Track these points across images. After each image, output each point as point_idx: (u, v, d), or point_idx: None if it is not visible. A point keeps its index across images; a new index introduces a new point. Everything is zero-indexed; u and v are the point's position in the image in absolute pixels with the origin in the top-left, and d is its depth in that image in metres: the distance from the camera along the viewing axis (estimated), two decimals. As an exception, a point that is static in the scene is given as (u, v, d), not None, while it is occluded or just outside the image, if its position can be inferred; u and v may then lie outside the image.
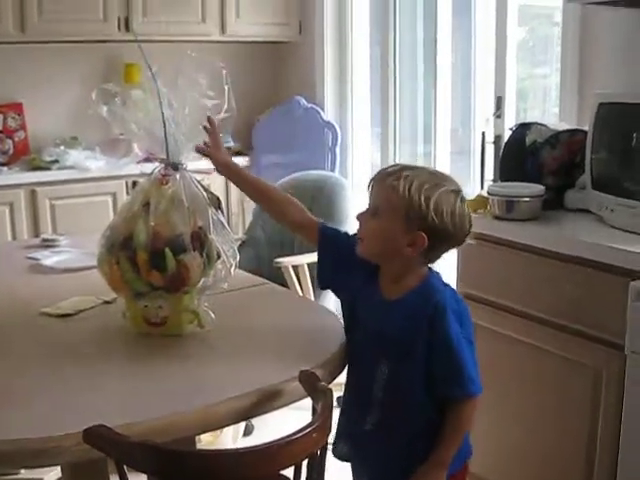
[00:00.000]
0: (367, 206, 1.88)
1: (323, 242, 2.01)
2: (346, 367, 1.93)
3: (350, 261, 1.92)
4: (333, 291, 2.04)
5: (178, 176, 2.00)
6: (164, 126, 1.97)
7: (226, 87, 1.98)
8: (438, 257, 1.88)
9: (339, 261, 1.97)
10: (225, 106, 1.99)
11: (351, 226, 3.87)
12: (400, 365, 1.84)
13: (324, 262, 2.02)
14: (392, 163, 4.53)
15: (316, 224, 2.04)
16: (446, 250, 1.87)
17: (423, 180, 1.79)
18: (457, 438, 1.83)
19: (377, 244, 1.86)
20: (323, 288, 2.06)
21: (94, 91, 2.00)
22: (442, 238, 1.82)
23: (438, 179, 1.82)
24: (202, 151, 2.04)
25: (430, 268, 1.90)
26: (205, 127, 2.03)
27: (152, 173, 2.03)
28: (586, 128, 2.70)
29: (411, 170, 1.82)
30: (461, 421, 1.82)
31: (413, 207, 1.77)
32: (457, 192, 1.82)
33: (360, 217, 1.88)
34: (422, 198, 1.77)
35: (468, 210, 1.85)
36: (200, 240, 1.96)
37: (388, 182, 1.81)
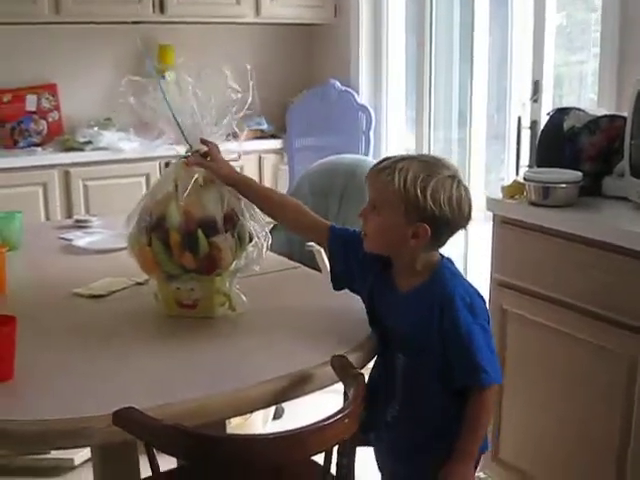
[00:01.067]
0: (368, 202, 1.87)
1: (333, 243, 2.00)
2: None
3: (362, 258, 1.92)
4: (350, 290, 2.02)
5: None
6: (175, 120, 1.97)
7: (251, 83, 1.98)
8: (445, 242, 1.87)
9: (350, 260, 1.96)
10: (249, 101, 1.97)
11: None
12: (415, 358, 1.84)
13: (337, 262, 2.00)
14: (426, 148, 4.55)
15: (326, 226, 2.03)
16: (451, 235, 1.86)
17: (417, 171, 1.77)
18: (477, 428, 1.81)
19: (381, 239, 1.85)
20: (338, 289, 2.04)
21: (123, 81, 1.99)
22: (444, 225, 1.81)
23: (432, 167, 1.80)
24: (200, 165, 2.01)
25: (442, 256, 1.89)
26: (203, 141, 2.02)
27: (180, 158, 2.03)
28: (625, 114, 2.65)
29: (404, 161, 1.80)
30: (479, 411, 1.79)
31: (410, 200, 1.76)
32: (453, 177, 1.80)
33: (362, 213, 1.87)
34: (418, 190, 1.76)
35: (465, 192, 1.82)
36: (232, 222, 1.95)
37: (382, 177, 1.80)
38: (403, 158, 1.83)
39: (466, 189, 1.82)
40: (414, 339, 1.83)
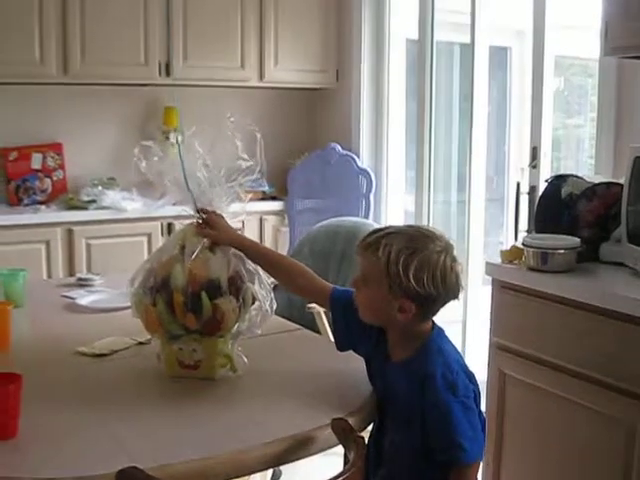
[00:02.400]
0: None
1: (335, 306, 2.02)
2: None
3: (362, 322, 1.93)
4: (354, 351, 2.04)
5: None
6: (187, 186, 2.01)
7: (258, 150, 2.01)
8: (435, 313, 1.88)
9: (352, 323, 1.97)
10: (258, 168, 2.02)
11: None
12: (400, 428, 1.86)
13: (338, 325, 2.02)
14: (425, 210, 4.58)
15: (329, 290, 2.04)
16: (440, 307, 1.86)
17: (401, 247, 1.78)
18: None
19: (369, 312, 1.88)
20: (341, 350, 2.05)
21: (137, 148, 2.04)
22: (430, 301, 1.82)
23: (419, 242, 1.80)
24: (202, 234, 2.02)
25: (434, 326, 1.90)
26: (202, 211, 2.05)
27: (188, 220, 2.06)
28: (622, 181, 2.69)
29: (390, 237, 1.81)
30: None
31: (393, 278, 1.78)
32: (440, 251, 1.80)
33: (354, 283, 1.89)
34: (401, 268, 1.77)
35: (453, 265, 1.81)
36: (236, 285, 1.97)
37: (368, 253, 1.82)
38: (389, 233, 1.83)
39: (454, 261, 1.82)
40: (400, 410, 1.85)
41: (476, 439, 1.79)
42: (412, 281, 1.76)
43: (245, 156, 1.99)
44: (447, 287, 1.81)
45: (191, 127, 2.07)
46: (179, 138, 2.04)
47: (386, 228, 1.88)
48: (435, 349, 1.85)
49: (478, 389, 1.87)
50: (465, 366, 1.88)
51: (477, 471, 1.83)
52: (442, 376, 1.79)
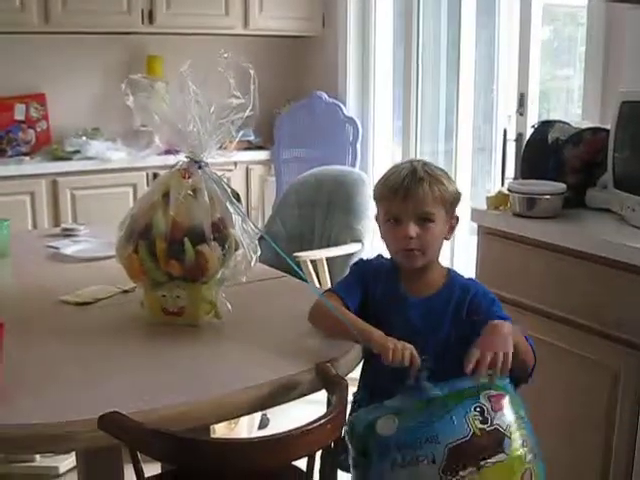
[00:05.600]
0: (405, 217, 1.87)
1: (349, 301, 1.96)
2: (362, 361, 1.92)
3: (365, 282, 1.97)
4: None
5: (200, 172, 1.99)
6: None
7: (252, 87, 1.98)
8: None
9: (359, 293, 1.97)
10: (250, 106, 1.98)
11: (369, 222, 3.84)
12: (441, 358, 1.80)
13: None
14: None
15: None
16: None
17: (427, 163, 1.93)
18: None
19: (438, 247, 1.93)
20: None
21: (125, 81, 1.99)
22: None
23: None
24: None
25: (447, 268, 1.98)
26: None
27: (174, 166, 2.03)
28: (609, 127, 2.68)
29: (433, 167, 1.92)
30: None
31: (456, 197, 1.91)
32: None
33: (413, 231, 1.85)
34: (445, 181, 1.89)
35: None
36: (219, 231, 1.96)
37: (435, 186, 1.87)
38: (428, 164, 1.93)
39: None
40: (440, 338, 1.86)
41: None
42: (454, 187, 1.91)
43: (237, 93, 1.96)
44: None
45: (175, 75, 2.03)
46: (156, 86, 1.99)
47: (405, 164, 1.94)
48: (462, 276, 1.97)
49: None
50: None
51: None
52: (483, 293, 1.91)
